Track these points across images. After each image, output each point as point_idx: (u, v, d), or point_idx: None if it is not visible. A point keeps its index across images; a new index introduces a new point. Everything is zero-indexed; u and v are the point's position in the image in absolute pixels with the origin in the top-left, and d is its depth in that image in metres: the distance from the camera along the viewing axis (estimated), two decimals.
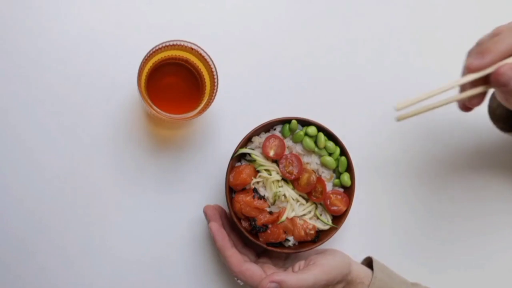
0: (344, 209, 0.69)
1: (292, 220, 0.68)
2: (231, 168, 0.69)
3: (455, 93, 0.59)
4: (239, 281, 0.67)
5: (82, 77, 0.73)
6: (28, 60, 0.73)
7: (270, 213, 0.68)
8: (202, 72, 0.69)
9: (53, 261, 0.72)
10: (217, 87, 0.66)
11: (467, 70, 0.56)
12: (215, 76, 0.67)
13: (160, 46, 0.66)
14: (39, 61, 0.73)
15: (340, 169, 0.70)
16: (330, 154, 0.70)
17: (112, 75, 0.73)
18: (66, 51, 0.73)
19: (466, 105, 0.59)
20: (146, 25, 0.74)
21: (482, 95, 0.57)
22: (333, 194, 0.69)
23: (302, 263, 0.67)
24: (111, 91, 0.73)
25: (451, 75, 0.79)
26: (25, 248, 0.72)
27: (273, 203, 0.69)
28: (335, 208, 0.69)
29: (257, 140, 0.69)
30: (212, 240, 0.74)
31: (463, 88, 0.59)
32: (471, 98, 0.57)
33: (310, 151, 0.69)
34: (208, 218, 0.68)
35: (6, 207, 0.72)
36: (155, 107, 0.66)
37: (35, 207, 0.72)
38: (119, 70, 0.73)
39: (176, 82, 0.71)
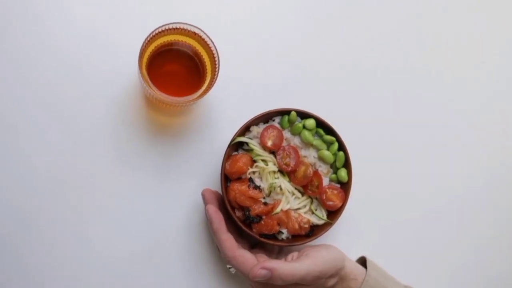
0: (340, 204, 0.68)
1: (286, 212, 0.67)
2: (227, 156, 0.68)
3: None
4: (231, 269, 0.65)
5: (81, 66, 0.72)
6: (27, 51, 0.71)
7: (265, 204, 0.67)
8: (203, 57, 0.68)
9: (51, 250, 0.71)
10: (218, 71, 0.65)
11: None
12: (216, 61, 0.66)
13: (163, 28, 0.65)
14: (38, 53, 0.71)
15: (338, 164, 0.69)
16: (328, 148, 0.69)
17: (112, 64, 0.72)
18: (65, 41, 0.72)
19: None
20: (147, 15, 0.73)
21: None
22: (329, 189, 0.68)
23: (295, 254, 0.65)
24: (111, 80, 0.72)
25: (451, 75, 0.80)
26: (20, 242, 0.70)
27: (269, 195, 0.67)
28: (330, 203, 0.68)
29: (255, 130, 0.68)
30: (207, 226, 0.73)
31: None
32: None
33: (308, 144, 0.69)
34: (205, 201, 0.67)
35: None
36: (154, 88, 0.65)
37: (29, 197, 0.71)
38: (119, 58, 0.72)
39: (176, 69, 0.70)
